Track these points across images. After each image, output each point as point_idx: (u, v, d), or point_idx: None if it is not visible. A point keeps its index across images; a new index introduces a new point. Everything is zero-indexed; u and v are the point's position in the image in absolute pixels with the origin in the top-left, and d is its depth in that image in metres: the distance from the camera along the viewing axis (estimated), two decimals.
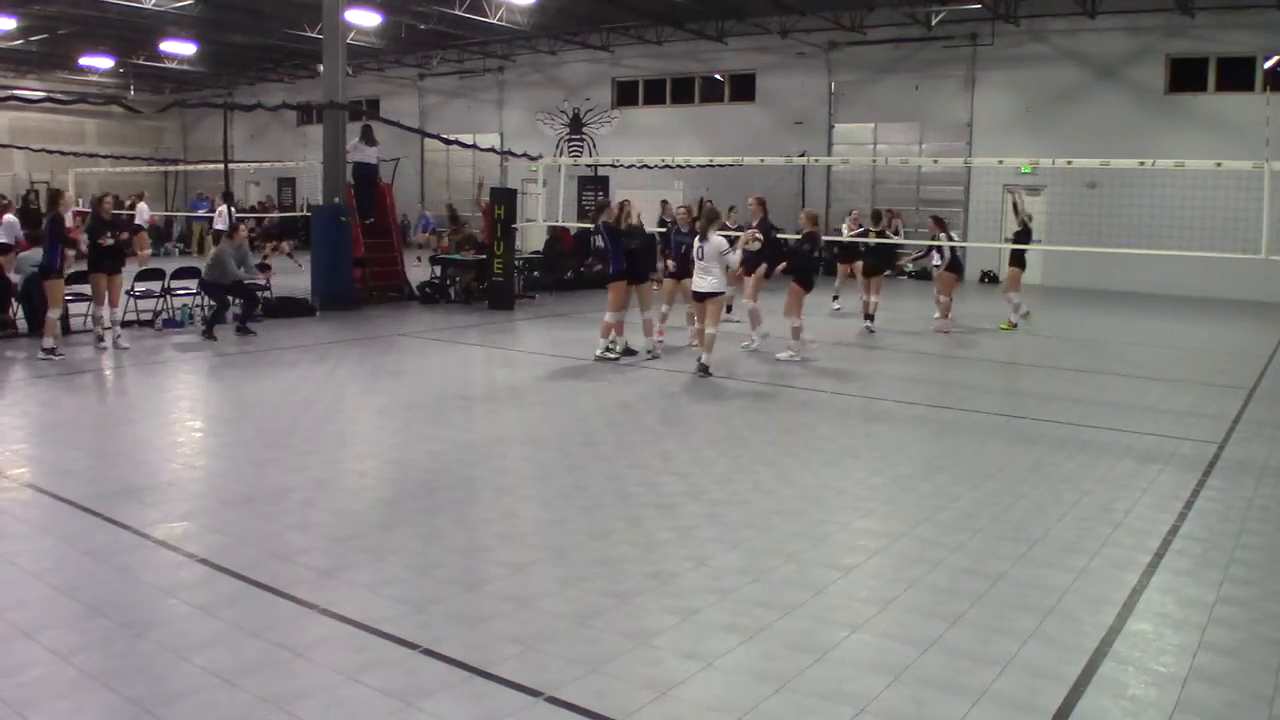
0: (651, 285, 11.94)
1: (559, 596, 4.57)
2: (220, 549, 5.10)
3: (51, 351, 10.62)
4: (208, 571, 4.81)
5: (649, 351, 11.32)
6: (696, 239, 10.43)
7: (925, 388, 10.05)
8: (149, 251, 21.17)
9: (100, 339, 11.50)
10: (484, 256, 16.16)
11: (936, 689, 3.76)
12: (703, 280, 10.33)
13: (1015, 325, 14.23)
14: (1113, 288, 20.48)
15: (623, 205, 11.61)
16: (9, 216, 18.92)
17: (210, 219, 26.99)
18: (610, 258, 11.19)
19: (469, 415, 8.46)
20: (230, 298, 12.84)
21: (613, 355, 11.14)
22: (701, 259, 10.29)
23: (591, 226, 12.70)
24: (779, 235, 12.99)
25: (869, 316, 14.16)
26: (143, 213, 23.93)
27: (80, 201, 20.43)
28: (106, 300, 11.29)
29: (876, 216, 15.13)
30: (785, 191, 24.17)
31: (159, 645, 4.00)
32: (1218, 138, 18.14)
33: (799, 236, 11.67)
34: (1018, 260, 14.26)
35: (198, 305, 13.46)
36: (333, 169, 15.71)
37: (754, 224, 11.34)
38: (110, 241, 11.29)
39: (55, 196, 11.28)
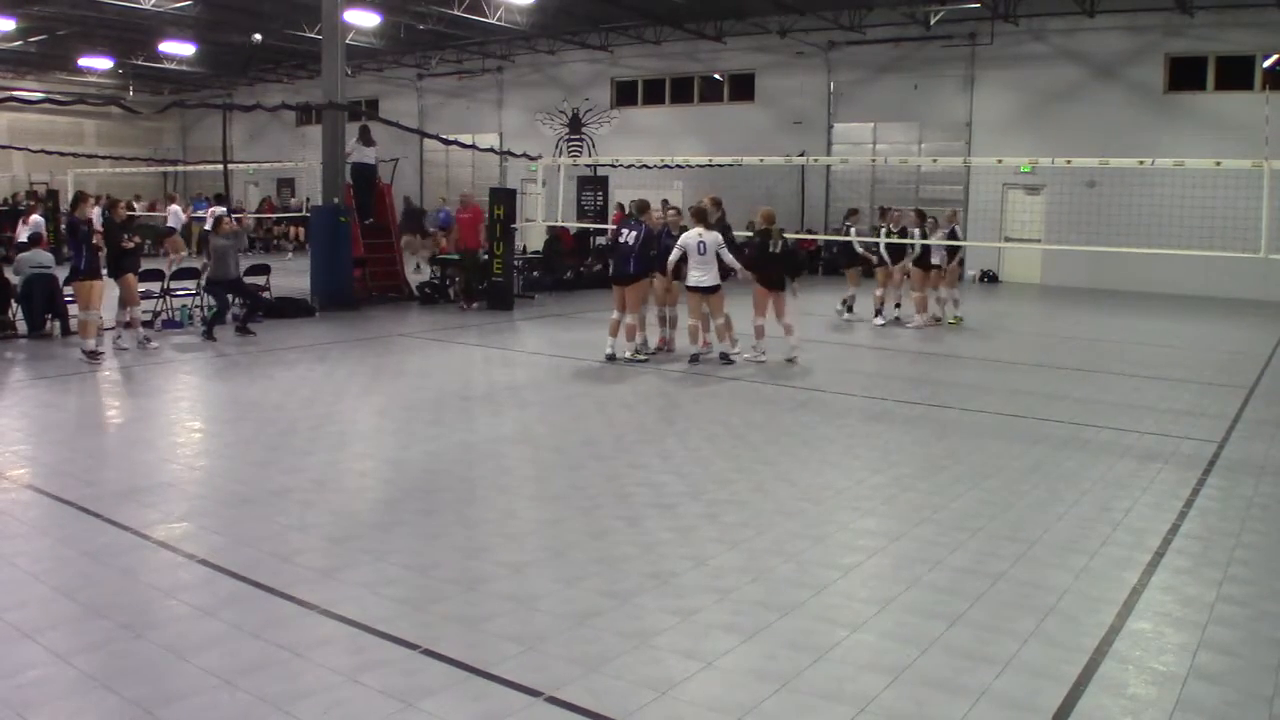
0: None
1: (559, 596, 4.57)
2: (220, 549, 5.10)
3: (94, 354, 10.61)
4: (207, 572, 4.81)
5: (638, 352, 11.22)
6: (697, 237, 10.53)
7: (925, 388, 10.05)
8: (184, 253, 21.15)
9: (146, 340, 11.59)
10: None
11: (936, 689, 3.76)
12: (706, 274, 10.56)
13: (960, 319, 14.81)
14: (1112, 287, 20.48)
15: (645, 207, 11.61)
16: (35, 217, 19.05)
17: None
18: (631, 258, 10.94)
19: (468, 415, 8.46)
20: (231, 297, 12.82)
21: (643, 357, 11.12)
22: (703, 254, 10.51)
23: (619, 226, 12.42)
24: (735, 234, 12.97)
25: (879, 311, 14.62)
26: (177, 215, 23.30)
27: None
28: (129, 299, 11.45)
29: (882, 213, 15.16)
30: (785, 192, 24.20)
31: (159, 646, 4.00)
32: (1217, 137, 18.14)
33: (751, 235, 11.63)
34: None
35: (196, 306, 13.46)
36: (332, 169, 15.70)
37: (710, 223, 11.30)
38: (131, 245, 11.35)
39: (79, 199, 11.28)
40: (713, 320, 10.91)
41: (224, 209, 17.04)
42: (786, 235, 11.54)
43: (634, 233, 11.09)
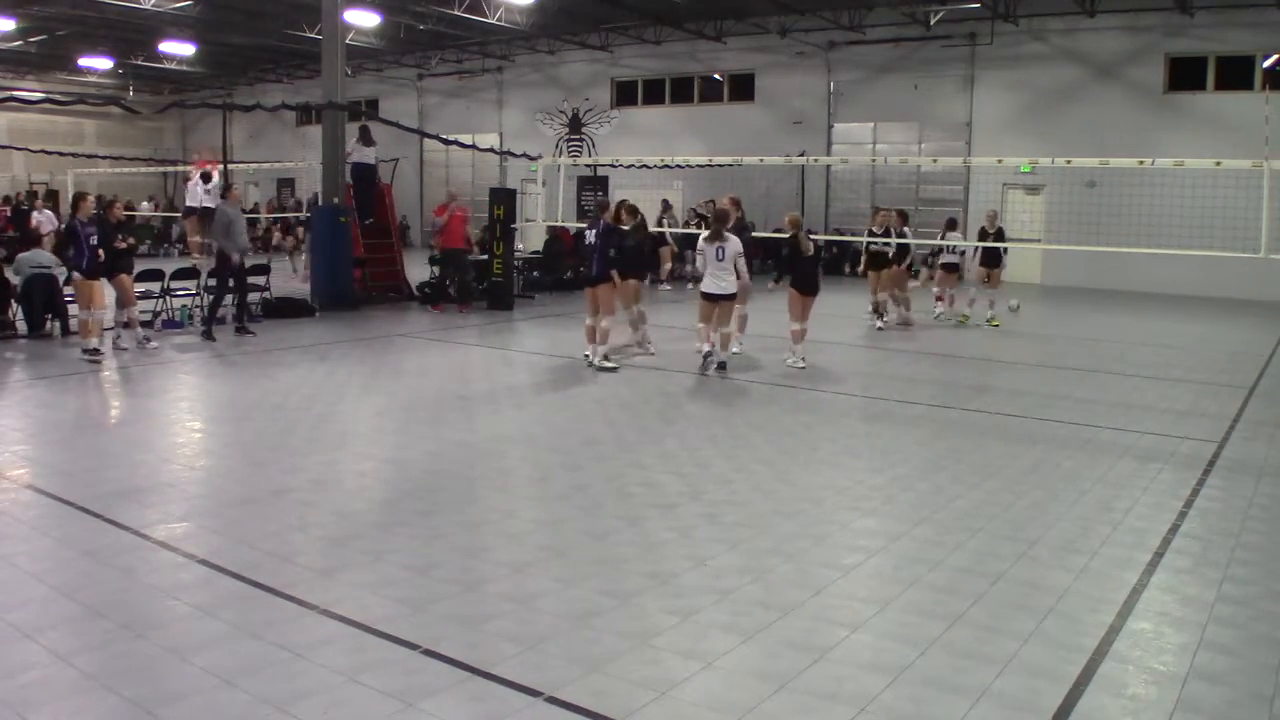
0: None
1: (559, 596, 4.57)
2: (220, 550, 5.10)
3: (95, 352, 10.61)
4: (208, 572, 4.81)
5: (606, 359, 10.81)
6: (711, 240, 10.08)
7: (925, 388, 10.05)
8: (197, 238, 20.83)
9: (146, 339, 11.59)
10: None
11: (936, 689, 3.76)
12: (721, 282, 10.12)
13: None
14: (1112, 287, 20.48)
15: (619, 205, 11.46)
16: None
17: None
18: (595, 258, 10.62)
19: (468, 415, 8.46)
20: (231, 297, 12.74)
21: (612, 365, 10.71)
22: (721, 259, 10.07)
23: (588, 227, 12.03)
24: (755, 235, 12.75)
25: (880, 313, 14.39)
26: (194, 192, 21.92)
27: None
28: (125, 299, 11.47)
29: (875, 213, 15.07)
30: (785, 192, 24.18)
31: (159, 646, 4.00)
32: (1217, 137, 18.13)
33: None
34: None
35: (196, 306, 13.46)
36: (332, 169, 15.71)
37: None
38: (124, 245, 11.33)
39: (77, 200, 11.30)
40: (720, 327, 10.37)
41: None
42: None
43: (593, 230, 10.83)
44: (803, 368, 10.68)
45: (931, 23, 22.39)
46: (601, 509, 5.90)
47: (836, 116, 24.78)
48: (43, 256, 12.39)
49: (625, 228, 11.06)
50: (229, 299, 12.70)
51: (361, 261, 16.14)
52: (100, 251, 10.78)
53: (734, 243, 10.12)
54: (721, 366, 10.37)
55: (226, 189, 13.03)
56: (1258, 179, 11.53)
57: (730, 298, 10.23)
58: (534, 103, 29.43)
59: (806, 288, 10.85)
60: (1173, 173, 16.09)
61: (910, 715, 3.58)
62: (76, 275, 10.86)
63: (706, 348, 10.45)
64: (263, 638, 4.08)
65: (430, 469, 6.75)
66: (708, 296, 10.25)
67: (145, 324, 12.25)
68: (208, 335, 12.18)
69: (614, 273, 10.74)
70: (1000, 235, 14.57)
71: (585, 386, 9.84)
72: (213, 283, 12.69)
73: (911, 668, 3.92)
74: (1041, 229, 21.34)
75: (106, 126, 36.17)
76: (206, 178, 19.00)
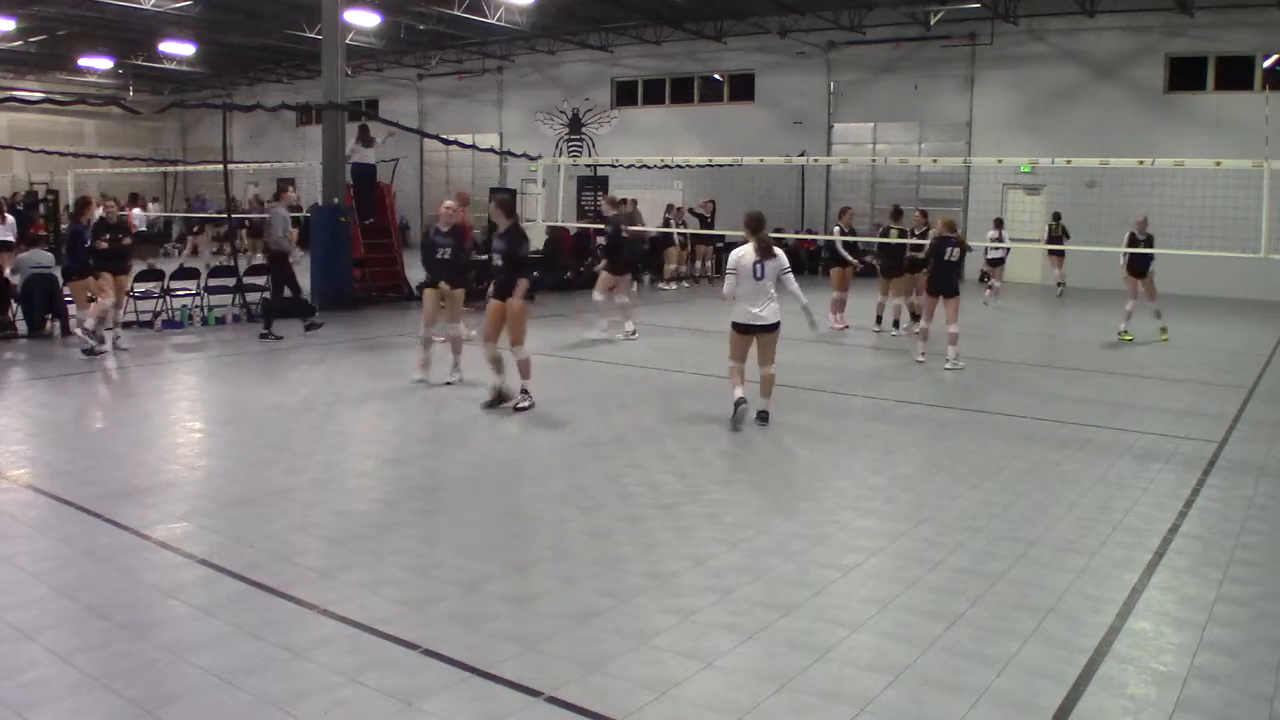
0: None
1: (559, 596, 4.57)
2: (220, 550, 5.10)
3: (97, 336, 10.79)
4: (208, 572, 4.81)
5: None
6: (752, 255, 7.79)
7: (925, 388, 10.05)
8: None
9: (116, 338, 11.54)
10: (485, 258, 16.15)
11: (936, 689, 3.76)
12: (765, 307, 7.86)
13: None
14: (1112, 286, 20.42)
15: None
16: (9, 217, 19.00)
17: (207, 219, 26.89)
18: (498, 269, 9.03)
19: (468, 415, 8.46)
20: (237, 297, 12.83)
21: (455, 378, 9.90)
22: (760, 277, 7.81)
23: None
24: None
25: (894, 322, 13.67)
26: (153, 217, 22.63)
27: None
28: (108, 298, 11.41)
29: (897, 214, 14.01)
30: (785, 192, 24.21)
31: (159, 646, 4.00)
32: (1217, 137, 18.16)
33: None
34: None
35: (196, 306, 13.47)
36: (332, 170, 15.71)
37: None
38: (105, 245, 11.34)
39: (82, 205, 11.44)
40: (761, 369, 8.10)
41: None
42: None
43: (435, 231, 9.87)
44: (962, 368, 10.83)
45: (931, 23, 22.41)
46: (602, 509, 5.89)
47: (836, 116, 24.79)
48: (42, 256, 12.40)
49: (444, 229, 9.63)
50: (237, 298, 12.88)
51: (361, 262, 16.15)
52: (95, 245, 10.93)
53: (779, 258, 7.90)
54: (762, 418, 8.13)
55: (280, 191, 13.22)
56: (1258, 179, 11.54)
57: (774, 328, 7.98)
58: (534, 103, 29.43)
59: (937, 288, 11.09)
60: (1173, 173, 16.10)
61: (910, 715, 3.58)
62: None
63: (739, 393, 8.05)
64: (263, 638, 4.08)
65: (430, 469, 6.75)
66: (743, 329, 7.97)
67: (145, 324, 12.24)
68: (267, 331, 12.33)
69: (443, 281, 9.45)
70: (1149, 241, 13.43)
71: (585, 386, 9.85)
72: (226, 282, 12.72)
73: (911, 668, 3.92)
74: (1042, 229, 21.34)
75: (106, 126, 36.17)
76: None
